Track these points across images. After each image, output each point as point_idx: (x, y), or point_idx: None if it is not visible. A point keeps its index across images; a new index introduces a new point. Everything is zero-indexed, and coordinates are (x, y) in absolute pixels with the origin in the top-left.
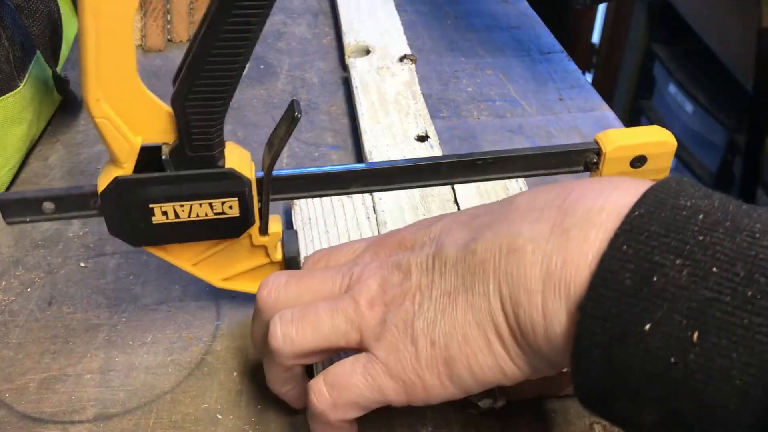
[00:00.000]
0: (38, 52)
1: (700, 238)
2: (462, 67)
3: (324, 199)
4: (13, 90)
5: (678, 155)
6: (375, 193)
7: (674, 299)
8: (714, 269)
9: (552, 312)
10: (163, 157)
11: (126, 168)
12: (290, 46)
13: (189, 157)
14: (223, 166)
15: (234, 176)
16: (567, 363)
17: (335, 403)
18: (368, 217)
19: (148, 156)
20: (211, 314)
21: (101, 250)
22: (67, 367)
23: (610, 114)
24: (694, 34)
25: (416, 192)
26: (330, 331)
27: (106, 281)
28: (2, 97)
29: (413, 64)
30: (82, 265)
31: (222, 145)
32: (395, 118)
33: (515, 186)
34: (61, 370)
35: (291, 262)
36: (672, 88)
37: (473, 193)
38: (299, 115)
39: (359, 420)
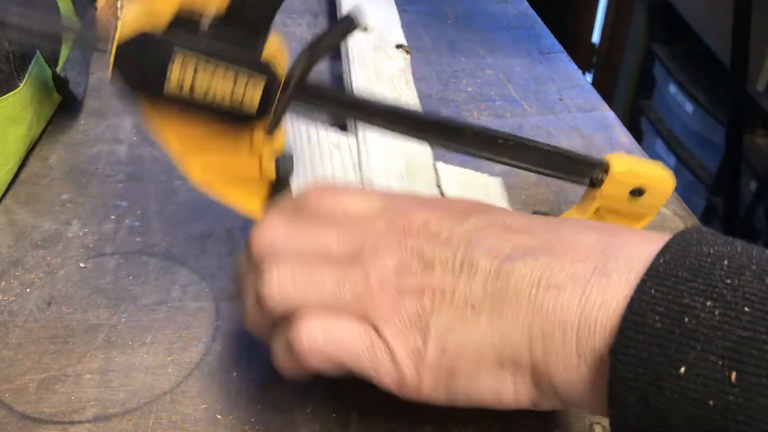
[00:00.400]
0: (38, 52)
1: (728, 281)
2: (462, 67)
3: (312, 143)
4: (13, 90)
5: (678, 155)
6: (362, 152)
7: (708, 340)
8: (746, 309)
9: (586, 351)
10: (202, 28)
11: (159, 19)
12: (290, 46)
13: (231, 34)
14: (260, 56)
15: (268, 69)
16: (593, 405)
17: (330, 356)
18: (354, 171)
19: (180, 23)
20: (210, 314)
21: (101, 250)
22: (66, 367)
23: (610, 114)
24: (694, 34)
25: (402, 165)
26: (333, 299)
27: (105, 281)
28: (2, 98)
29: (408, 56)
30: (82, 265)
31: (268, 32)
32: (389, 97)
33: (497, 192)
34: (60, 371)
35: (283, 182)
36: (672, 88)
37: (454, 182)
38: (364, 27)
39: (360, 418)
